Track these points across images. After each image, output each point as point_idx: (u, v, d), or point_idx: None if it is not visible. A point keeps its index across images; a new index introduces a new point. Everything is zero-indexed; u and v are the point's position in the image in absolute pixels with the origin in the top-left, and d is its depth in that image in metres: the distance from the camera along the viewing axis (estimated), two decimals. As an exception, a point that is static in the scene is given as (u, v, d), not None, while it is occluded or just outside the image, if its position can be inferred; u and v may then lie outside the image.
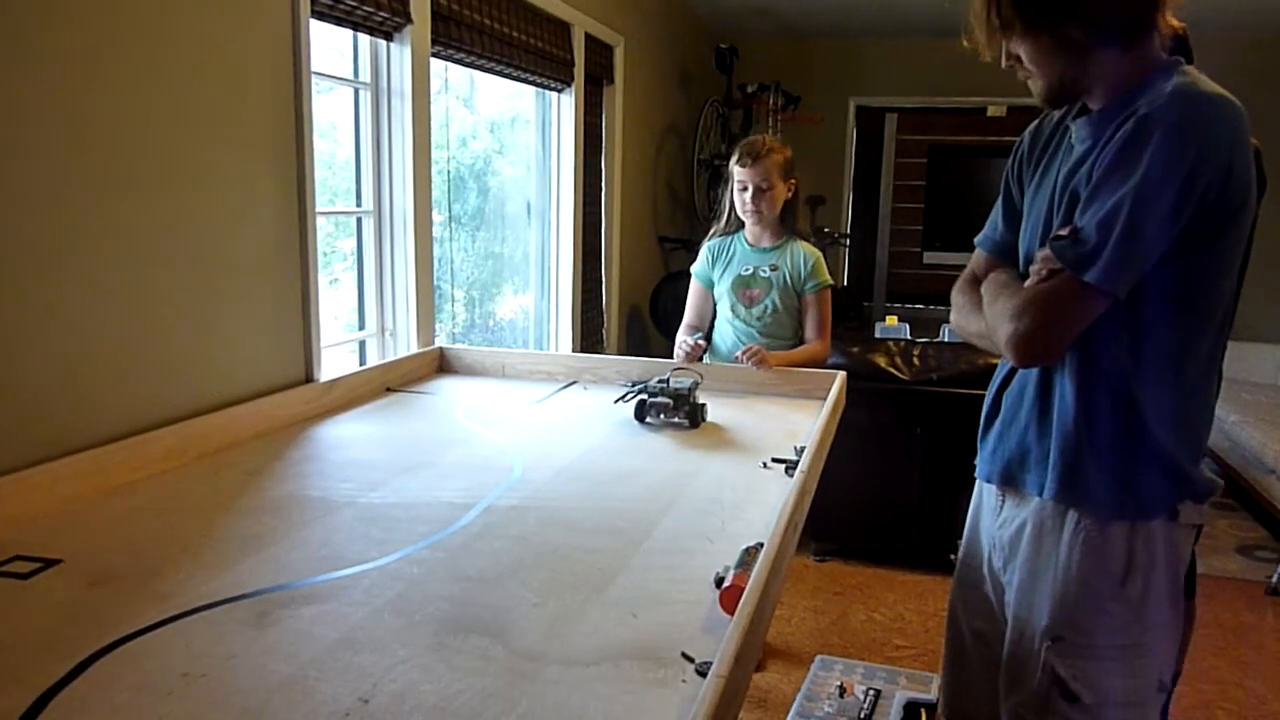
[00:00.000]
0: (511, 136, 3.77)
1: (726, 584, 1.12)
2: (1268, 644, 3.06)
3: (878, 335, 4.02)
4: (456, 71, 3.10)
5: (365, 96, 2.50)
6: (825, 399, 2.07)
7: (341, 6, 2.17)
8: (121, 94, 1.58)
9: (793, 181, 2.61)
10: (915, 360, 3.43)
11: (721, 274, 2.67)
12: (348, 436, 1.89)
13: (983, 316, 1.39)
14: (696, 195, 5.22)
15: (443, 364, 2.55)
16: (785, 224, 2.63)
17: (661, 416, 2.00)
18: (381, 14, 2.31)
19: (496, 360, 2.52)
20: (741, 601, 1.02)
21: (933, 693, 2.44)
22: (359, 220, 2.56)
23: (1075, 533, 1.32)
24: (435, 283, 2.77)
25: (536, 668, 0.98)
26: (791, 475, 1.61)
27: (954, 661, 1.60)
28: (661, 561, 1.28)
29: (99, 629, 1.04)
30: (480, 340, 3.62)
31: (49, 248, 1.48)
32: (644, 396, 2.01)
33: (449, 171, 3.16)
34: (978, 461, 1.51)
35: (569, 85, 3.65)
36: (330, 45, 2.42)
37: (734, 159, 2.57)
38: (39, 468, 1.42)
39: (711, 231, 2.74)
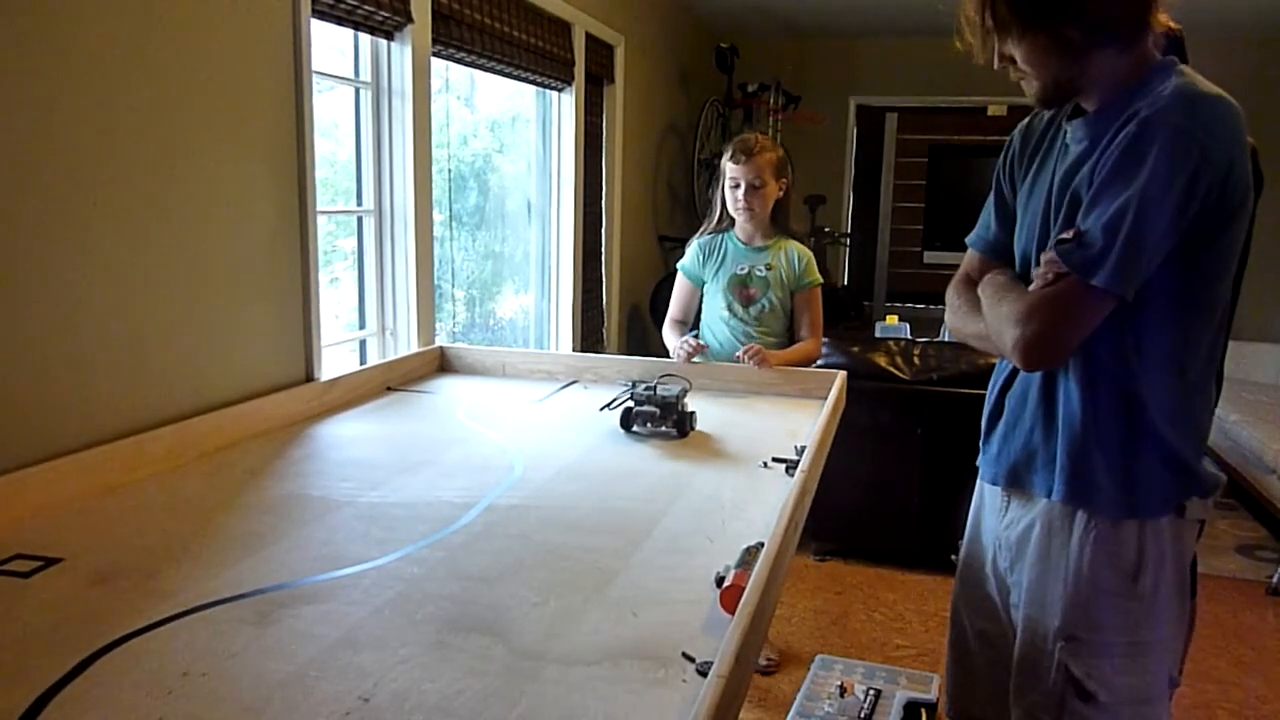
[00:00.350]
0: (512, 136, 3.77)
1: (727, 583, 1.12)
2: (1268, 644, 3.06)
3: (878, 335, 4.03)
4: (457, 71, 3.10)
5: (366, 96, 2.50)
6: (826, 398, 2.07)
7: (342, 6, 2.17)
8: (122, 93, 1.58)
9: (784, 180, 2.61)
10: (916, 360, 3.43)
11: (715, 272, 2.66)
12: (348, 436, 1.89)
13: (981, 318, 1.39)
14: (697, 195, 5.23)
15: (443, 363, 2.55)
16: (777, 223, 2.64)
17: (648, 425, 1.91)
18: (382, 13, 2.31)
19: (497, 359, 2.52)
20: (742, 601, 1.02)
21: (933, 693, 2.44)
22: (360, 219, 2.56)
23: (1086, 532, 1.32)
24: (436, 282, 2.77)
25: (537, 667, 0.98)
26: (792, 475, 1.61)
27: (957, 663, 1.60)
28: (662, 561, 1.28)
29: (100, 628, 1.04)
30: (481, 339, 3.62)
31: (49, 247, 1.48)
32: (630, 404, 1.93)
33: (449, 171, 3.16)
34: (981, 464, 1.51)
35: (569, 85, 3.65)
36: (331, 45, 2.42)
37: (726, 156, 2.57)
38: (40, 467, 1.42)
39: (701, 229, 2.74)
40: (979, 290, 1.41)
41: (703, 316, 2.72)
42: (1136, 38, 1.25)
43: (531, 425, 2.00)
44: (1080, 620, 1.32)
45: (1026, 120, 1.47)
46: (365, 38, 2.44)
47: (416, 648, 1.02)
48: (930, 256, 6.20)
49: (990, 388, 1.49)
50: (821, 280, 2.64)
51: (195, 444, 1.69)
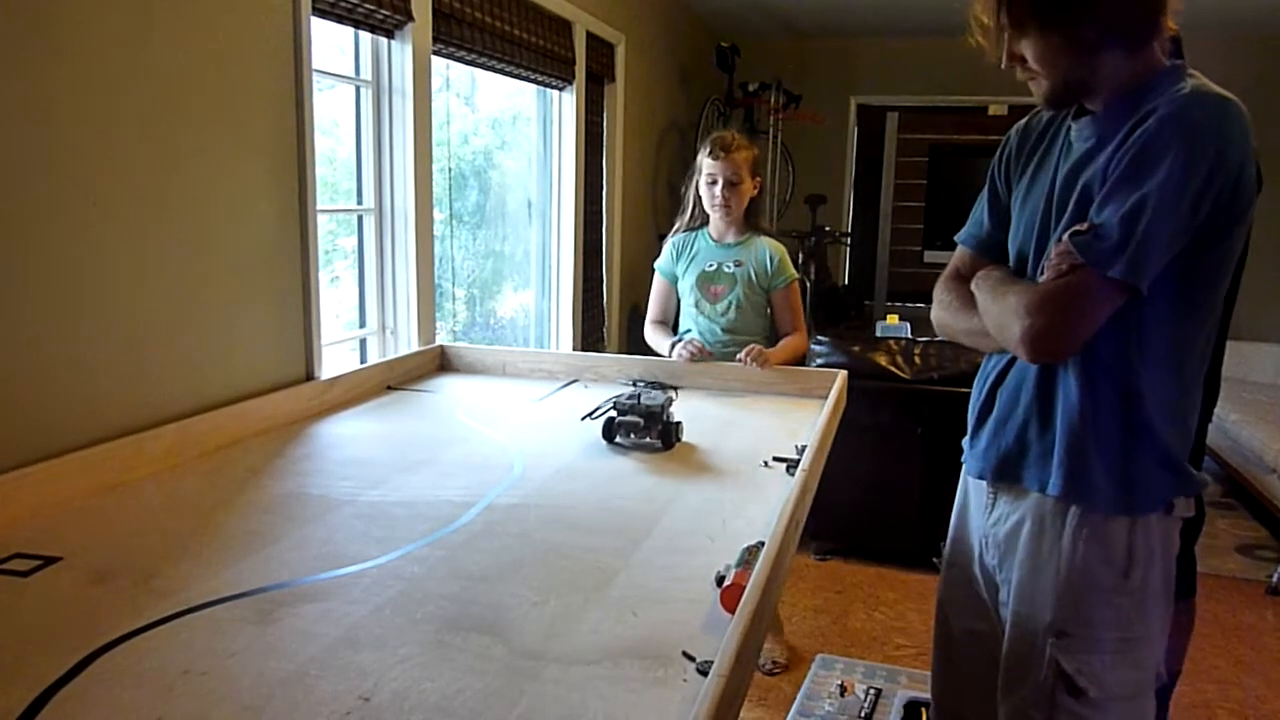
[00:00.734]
0: (513, 134, 3.76)
1: (727, 583, 1.12)
2: (1268, 643, 3.06)
3: (878, 334, 4.03)
4: (457, 69, 3.10)
5: (366, 94, 2.50)
6: (826, 398, 2.07)
7: (343, 4, 2.17)
8: (121, 92, 1.58)
9: (759, 179, 2.63)
10: (916, 359, 3.43)
11: (685, 269, 2.67)
12: (348, 434, 1.89)
13: (973, 314, 1.39)
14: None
15: (443, 362, 2.55)
16: (749, 220, 2.64)
17: (631, 436, 1.81)
18: (383, 12, 2.31)
19: (497, 358, 2.52)
20: (742, 600, 1.02)
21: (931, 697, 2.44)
22: (360, 218, 2.56)
23: (1078, 528, 1.32)
24: (436, 281, 2.76)
25: (537, 666, 0.98)
26: (792, 474, 1.61)
27: (943, 661, 1.60)
28: (662, 560, 1.28)
29: (99, 627, 1.04)
30: (481, 338, 3.62)
31: (48, 245, 1.48)
32: (613, 414, 1.84)
33: (450, 169, 3.16)
34: (966, 458, 1.51)
35: (570, 83, 3.65)
36: (331, 43, 2.42)
37: (704, 152, 2.57)
38: (39, 465, 1.42)
39: (675, 227, 2.74)
40: (973, 286, 1.41)
41: (680, 316, 2.72)
42: (1147, 40, 1.26)
43: (532, 424, 2.00)
44: (1072, 616, 1.33)
45: (1025, 120, 1.47)
46: (366, 36, 2.44)
47: (416, 647, 1.01)
48: (931, 256, 6.21)
49: (978, 383, 1.49)
50: (797, 275, 2.64)
51: (195, 443, 1.69)
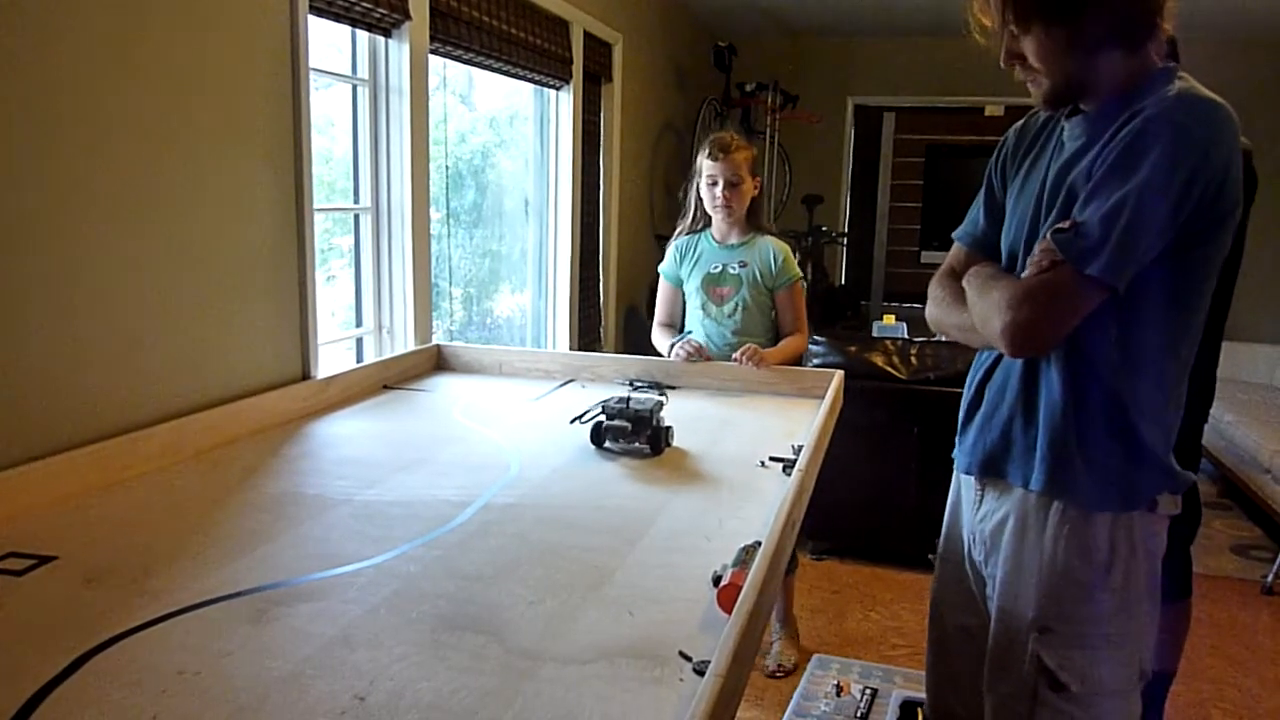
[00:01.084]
0: (510, 134, 3.76)
1: (724, 582, 1.12)
2: (1262, 642, 3.07)
3: (875, 334, 4.03)
4: (454, 68, 3.09)
5: (363, 93, 2.50)
6: (823, 398, 2.07)
7: (340, 3, 2.17)
8: (118, 90, 1.57)
9: (758, 180, 2.63)
10: (913, 359, 3.43)
11: (690, 271, 2.67)
12: (344, 434, 1.89)
13: (964, 310, 1.40)
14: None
15: (440, 361, 2.55)
16: (751, 221, 2.64)
17: (620, 442, 1.77)
18: (380, 10, 2.31)
19: (494, 358, 2.52)
20: (739, 600, 1.02)
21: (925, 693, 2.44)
22: (356, 217, 2.55)
23: (1060, 524, 1.33)
24: (433, 280, 2.76)
25: (533, 666, 0.98)
26: (789, 474, 1.61)
27: (938, 657, 1.61)
28: (659, 560, 1.28)
29: (94, 626, 1.04)
30: (477, 338, 3.62)
31: (44, 244, 1.47)
32: (602, 418, 1.79)
33: (447, 168, 3.15)
34: (956, 454, 1.52)
35: (567, 83, 3.64)
36: (328, 42, 2.42)
37: (703, 153, 2.57)
38: (34, 464, 1.41)
39: (678, 230, 2.74)
40: (964, 281, 1.42)
41: (686, 318, 2.72)
42: (1145, 41, 1.27)
43: (528, 424, 2.00)
44: (1054, 611, 1.34)
45: (1022, 120, 1.49)
46: (363, 35, 2.44)
47: (412, 646, 1.01)
48: (927, 256, 6.21)
49: (969, 379, 1.51)
50: (801, 275, 2.65)
51: (191, 442, 1.69)
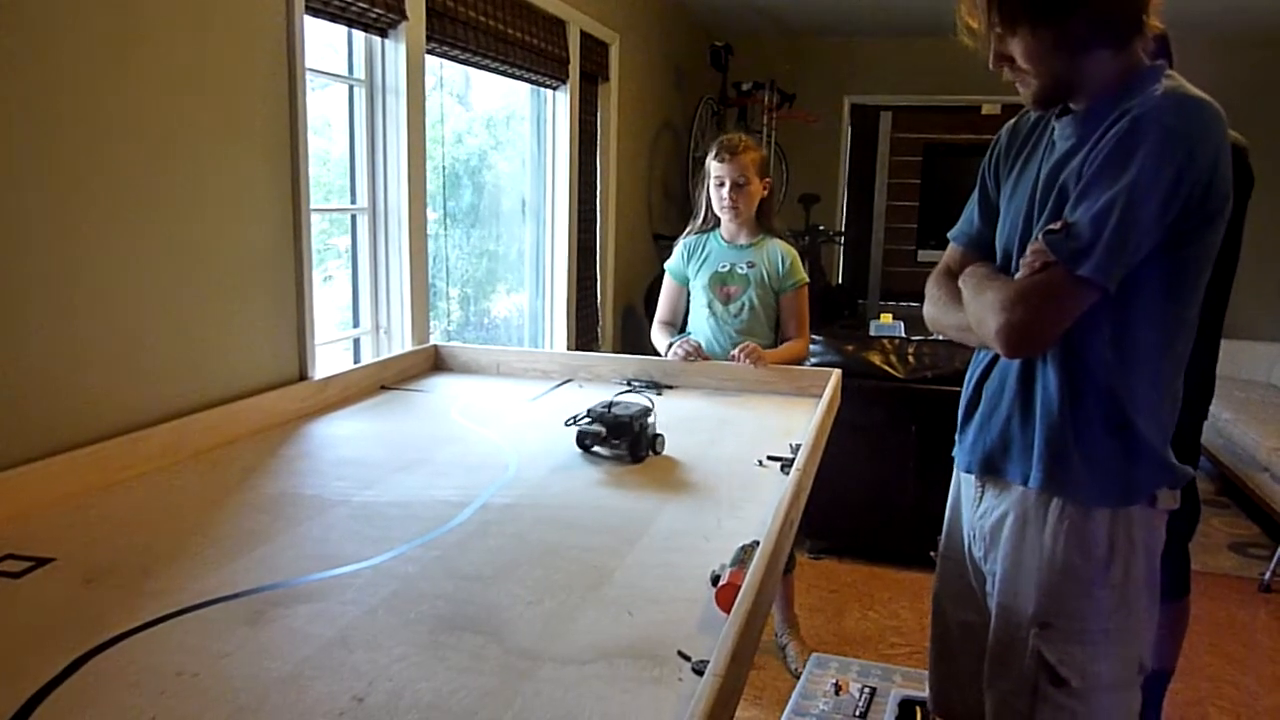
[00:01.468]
0: (507, 134, 3.76)
1: (723, 582, 1.12)
2: (1260, 640, 3.07)
3: (872, 333, 4.03)
4: (451, 68, 3.09)
5: (360, 93, 2.50)
6: (821, 397, 2.07)
7: (336, 3, 2.17)
8: (114, 91, 1.57)
9: (768, 180, 2.63)
10: (910, 358, 3.43)
11: (698, 270, 2.67)
12: (342, 434, 1.89)
13: (961, 309, 1.41)
14: (691, 193, 5.22)
15: (437, 362, 2.55)
16: (761, 222, 2.65)
17: (600, 447, 1.73)
18: (376, 10, 2.31)
19: (491, 358, 2.52)
20: (738, 599, 1.02)
21: (927, 690, 2.44)
22: (353, 217, 2.55)
23: (1059, 520, 1.34)
24: (430, 280, 2.76)
25: (532, 666, 0.98)
26: (787, 473, 1.61)
27: (940, 654, 1.62)
28: (657, 559, 1.28)
29: (92, 628, 1.04)
30: (475, 338, 3.61)
31: (42, 245, 1.47)
32: (587, 422, 1.74)
33: (444, 168, 3.15)
34: (956, 453, 1.54)
35: (564, 83, 3.64)
36: (325, 42, 2.41)
37: (711, 155, 2.59)
38: (32, 465, 1.41)
39: (687, 229, 2.75)
40: (960, 281, 1.44)
41: (689, 317, 2.72)
42: (1131, 39, 1.28)
43: (526, 424, 2.00)
44: (1054, 607, 1.35)
45: (1014, 120, 1.50)
46: (359, 35, 2.43)
47: (411, 647, 1.01)
48: (924, 255, 6.21)
49: (967, 379, 1.52)
50: (807, 279, 2.65)
51: (189, 442, 1.69)
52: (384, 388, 2.27)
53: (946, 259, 1.55)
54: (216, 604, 1.11)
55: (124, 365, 1.63)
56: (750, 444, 1.85)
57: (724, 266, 2.64)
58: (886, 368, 3.43)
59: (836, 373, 2.25)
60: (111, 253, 1.59)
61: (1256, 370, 5.31)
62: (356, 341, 2.60)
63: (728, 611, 1.02)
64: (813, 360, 3.47)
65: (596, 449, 1.76)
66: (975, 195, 1.53)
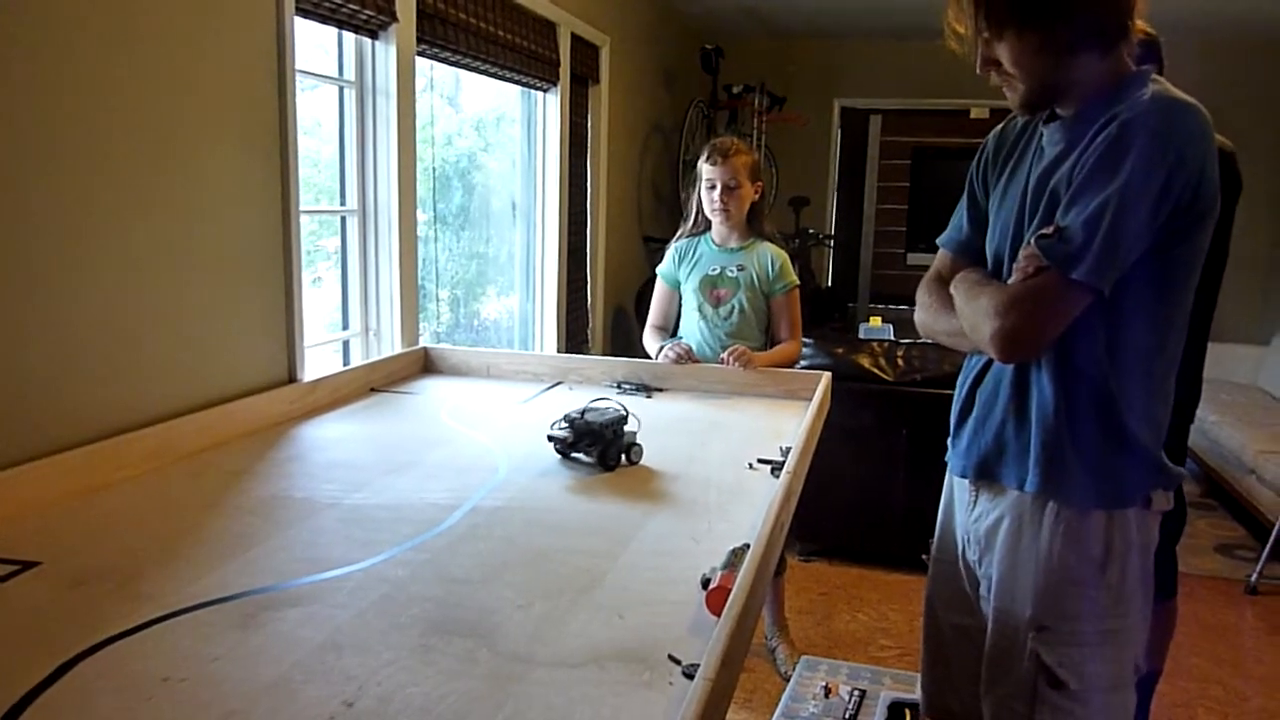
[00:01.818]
0: (497, 135, 3.76)
1: (713, 585, 1.12)
2: (1247, 642, 3.09)
3: (862, 336, 4.04)
4: (441, 70, 3.09)
5: (350, 95, 2.49)
6: (810, 400, 2.08)
7: (326, 4, 2.16)
8: (104, 93, 1.56)
9: (759, 184, 2.64)
10: (899, 361, 3.44)
11: (689, 274, 2.68)
12: (332, 437, 1.88)
13: (953, 315, 1.41)
14: (681, 196, 5.23)
15: (427, 364, 2.54)
16: (752, 226, 2.65)
17: (571, 454, 1.71)
18: (366, 12, 2.30)
19: (481, 360, 2.51)
20: (728, 603, 1.02)
21: (918, 693, 2.45)
22: (343, 219, 2.54)
23: (1055, 523, 1.35)
24: (420, 282, 2.75)
25: (522, 670, 0.98)
26: (777, 476, 1.61)
27: (933, 657, 1.62)
28: (648, 563, 1.28)
29: (79, 632, 1.03)
30: (465, 340, 3.61)
31: (31, 247, 1.46)
32: (561, 427, 1.70)
33: (434, 170, 3.14)
34: (950, 457, 1.54)
35: (554, 85, 3.64)
36: (315, 43, 2.41)
37: (703, 158, 2.59)
38: (19, 468, 1.40)
39: (679, 233, 2.76)
40: (951, 287, 1.44)
41: (681, 320, 2.72)
42: (1117, 43, 1.29)
43: (516, 427, 2.00)
44: (1051, 610, 1.35)
45: (1001, 125, 1.50)
46: (349, 36, 2.43)
47: (401, 651, 1.01)
48: (913, 258, 6.23)
49: (959, 383, 1.52)
50: (798, 282, 2.65)
51: (178, 445, 1.68)
52: (374, 390, 2.27)
53: (937, 265, 1.55)
54: (205, 608, 1.10)
55: (112, 367, 1.62)
56: (740, 447, 1.86)
57: (714, 270, 2.64)
58: (876, 370, 3.44)
59: (826, 375, 2.26)
60: (99, 255, 1.58)
61: (1242, 373, 5.35)
62: (346, 344, 2.59)
63: (718, 614, 1.02)
64: (802, 363, 3.47)
65: (574, 455, 1.72)
66: (964, 201, 1.53)
